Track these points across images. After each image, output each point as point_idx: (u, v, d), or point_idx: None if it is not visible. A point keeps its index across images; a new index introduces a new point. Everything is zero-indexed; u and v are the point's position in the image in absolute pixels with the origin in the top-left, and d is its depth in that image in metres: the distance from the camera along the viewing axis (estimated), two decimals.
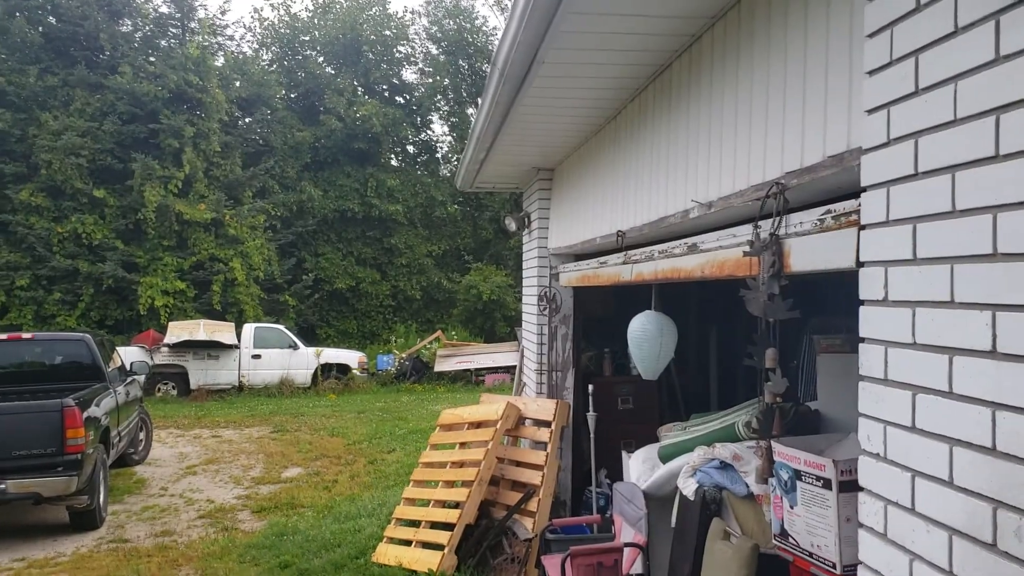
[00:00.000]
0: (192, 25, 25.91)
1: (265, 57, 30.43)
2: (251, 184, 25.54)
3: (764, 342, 2.63)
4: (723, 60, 3.07)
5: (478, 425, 7.12)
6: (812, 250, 2.34)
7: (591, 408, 6.67)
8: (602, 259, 5.03)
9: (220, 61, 26.47)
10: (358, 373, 20.33)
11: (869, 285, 1.95)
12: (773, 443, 4.17)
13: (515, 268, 28.00)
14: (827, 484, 3.65)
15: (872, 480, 1.95)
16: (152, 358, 18.14)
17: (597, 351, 7.37)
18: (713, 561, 4.09)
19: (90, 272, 21.44)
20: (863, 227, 1.99)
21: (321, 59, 30.12)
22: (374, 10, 30.51)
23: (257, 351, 19.46)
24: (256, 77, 27.33)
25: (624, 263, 4.37)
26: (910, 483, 1.76)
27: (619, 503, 5.56)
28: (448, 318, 27.23)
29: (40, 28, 23.32)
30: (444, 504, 6.87)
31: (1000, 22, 1.48)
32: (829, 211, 2.26)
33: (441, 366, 20.84)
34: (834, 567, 3.61)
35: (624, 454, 6.20)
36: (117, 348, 13.25)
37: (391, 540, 6.98)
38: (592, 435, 6.65)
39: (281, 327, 20.90)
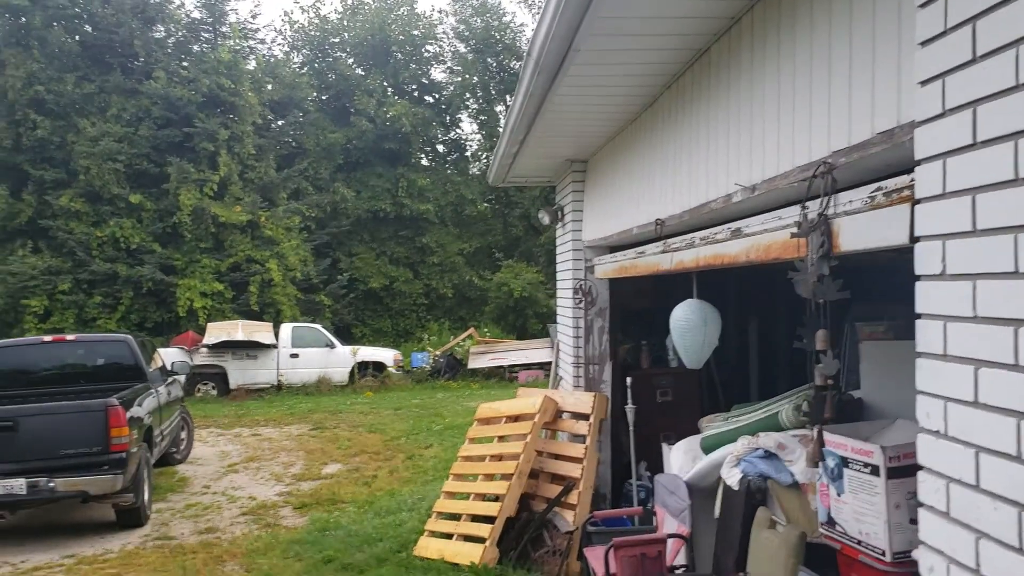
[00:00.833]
0: (223, 29, 26.22)
1: (296, 60, 30.72)
2: (285, 186, 25.80)
3: (814, 324, 2.59)
4: (763, 40, 3.03)
5: (516, 419, 7.11)
6: (863, 228, 2.30)
7: (629, 401, 6.64)
8: (640, 249, 4.99)
9: (252, 64, 26.74)
10: (394, 371, 20.45)
11: (925, 260, 1.91)
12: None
13: (546, 264, 27.97)
14: (875, 471, 3.60)
15: (932, 458, 1.91)
16: (192, 359, 18.38)
17: (634, 343, 7.33)
18: (760, 550, 4.05)
19: (129, 275, 21.78)
20: (917, 201, 1.95)
21: (351, 60, 30.31)
22: (402, 10, 30.64)
23: (295, 350, 19.65)
24: (288, 80, 27.57)
25: (663, 252, 4.34)
26: (973, 459, 1.72)
27: (661, 495, 5.53)
28: (480, 315, 27.27)
29: (77, 36, 23.72)
30: (484, 497, 6.88)
31: None
32: (880, 188, 2.22)
33: (475, 363, 20.89)
34: (884, 554, 3.56)
35: (664, 446, 6.16)
36: (158, 349, 13.47)
37: (432, 534, 7.00)
38: (631, 428, 6.62)
39: (318, 326, 21.10)
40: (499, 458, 6.97)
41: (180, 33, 25.64)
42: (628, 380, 6.60)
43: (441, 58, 31.84)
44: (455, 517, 6.94)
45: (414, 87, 30.83)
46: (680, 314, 4.39)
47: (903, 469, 3.61)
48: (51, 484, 7.68)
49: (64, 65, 23.24)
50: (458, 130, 32.16)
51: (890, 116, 2.19)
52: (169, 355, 15.21)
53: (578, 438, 6.72)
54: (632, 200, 5.17)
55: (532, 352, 20.82)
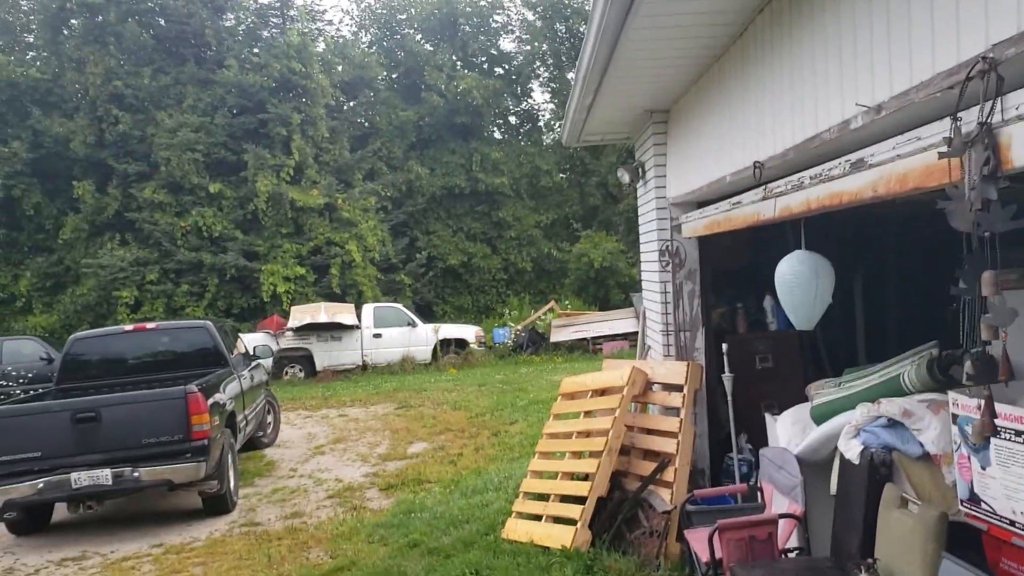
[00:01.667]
0: (291, 13, 26.27)
1: (364, 39, 30.60)
2: (360, 167, 25.79)
3: (978, 264, 2.08)
4: None
5: (602, 392, 6.68)
6: None
7: (726, 369, 6.13)
8: (734, 199, 4.47)
9: (321, 47, 26.75)
10: (476, 347, 20.26)
11: None
12: (954, 396, 3.58)
13: (626, 233, 27.29)
14: None
15: None
16: (278, 343, 18.53)
17: (728, 307, 6.79)
18: (891, 533, 3.54)
19: (213, 263, 22.14)
20: None
21: (419, 36, 30.01)
22: None
23: (378, 330, 19.65)
24: (357, 60, 27.49)
25: (764, 199, 3.82)
26: None
27: (767, 470, 5.03)
28: (560, 288, 26.84)
29: (151, 31, 24.11)
30: (572, 476, 6.49)
31: None
32: None
33: (557, 336, 20.51)
34: None
35: (768, 417, 5.64)
36: (241, 334, 13.53)
37: (520, 515, 6.65)
38: (729, 398, 6.11)
39: (399, 306, 21.06)
40: (587, 434, 6.55)
41: (249, 20, 25.79)
42: (724, 346, 6.08)
43: (509, 27, 31.28)
44: (543, 497, 6.57)
45: (484, 59, 30.38)
46: (787, 268, 3.87)
47: None
48: (136, 474, 7.64)
49: (140, 59, 23.66)
50: (530, 100, 31.64)
51: None
52: (253, 340, 15.32)
53: (671, 411, 6.24)
54: (722, 146, 4.63)
55: (616, 323, 20.33)
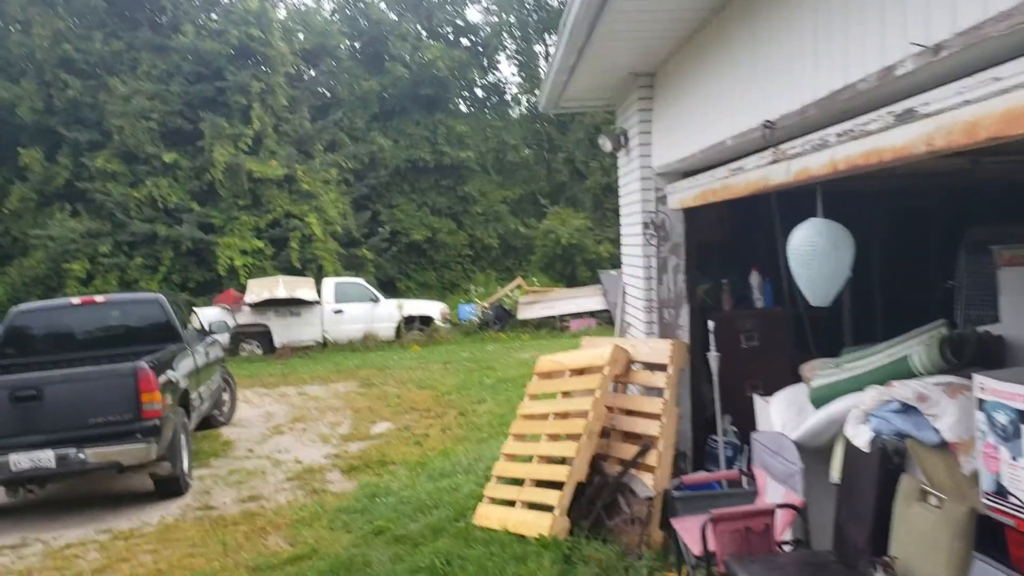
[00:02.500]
0: None
1: (327, 7, 29.82)
2: (321, 138, 25.11)
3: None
4: None
5: (581, 372, 6.34)
6: None
7: (712, 347, 5.82)
8: (735, 165, 4.11)
9: (282, 13, 25.98)
10: (441, 324, 19.84)
11: None
12: (981, 380, 3.28)
13: (593, 209, 27.00)
14: None
15: None
16: (234, 318, 17.95)
17: (713, 282, 6.48)
18: (910, 529, 3.24)
19: (168, 236, 21.42)
20: None
21: (383, 5, 29.24)
22: None
23: (339, 306, 19.14)
24: (319, 28, 26.76)
25: (773, 162, 3.47)
26: None
27: (761, 456, 4.72)
28: (527, 265, 26.48)
29: None
30: (549, 460, 6.15)
31: None
32: None
33: (524, 313, 20.17)
34: None
35: (756, 398, 5.35)
36: (196, 309, 12.95)
37: (493, 500, 6.31)
38: (715, 378, 5.81)
39: (361, 281, 20.55)
40: (564, 416, 6.22)
41: None
42: (710, 324, 5.76)
43: None
44: (518, 482, 6.23)
45: (450, 29, 29.74)
46: (803, 238, 3.52)
47: None
48: (81, 455, 7.17)
49: (91, 23, 22.74)
50: (496, 73, 31.08)
51: None
52: (208, 315, 14.74)
53: (653, 391, 5.93)
54: (723, 107, 4.27)
55: (584, 300, 20.06)
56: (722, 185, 4.34)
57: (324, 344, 19.03)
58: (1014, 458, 3.10)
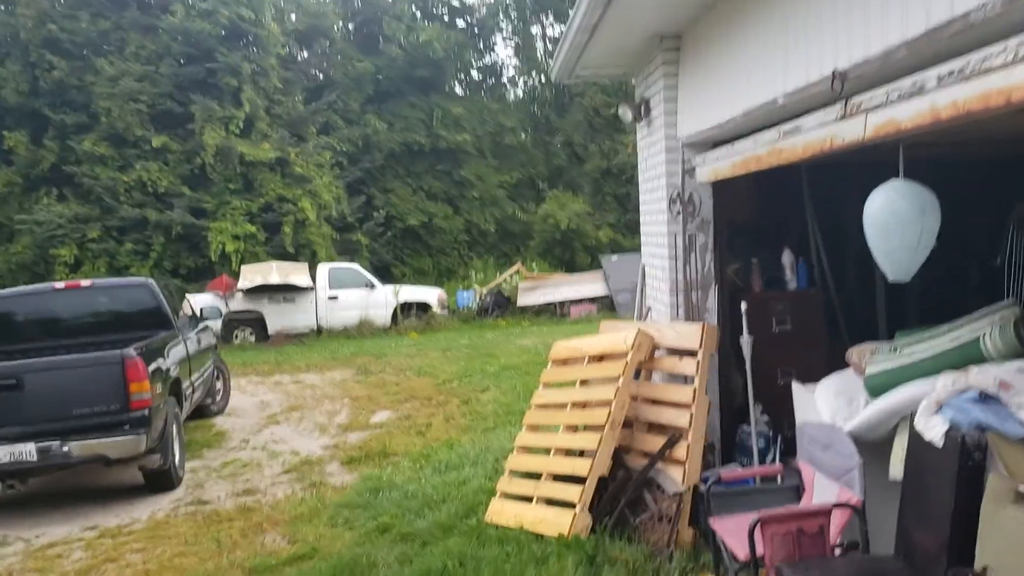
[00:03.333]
0: None
1: None
2: (314, 120, 24.55)
3: None
4: None
5: (601, 358, 5.92)
6: None
7: (745, 331, 5.41)
8: (788, 126, 3.67)
9: None
10: (438, 311, 19.40)
11: None
12: None
13: (593, 193, 26.55)
14: None
15: None
16: (227, 304, 17.49)
17: (743, 262, 6.06)
18: (1003, 535, 2.84)
19: (159, 220, 20.87)
20: None
21: None
22: None
23: (333, 292, 18.69)
24: (312, 8, 26.19)
25: (843, 117, 3.04)
26: None
27: (808, 449, 4.32)
28: (525, 250, 26.05)
29: None
30: (568, 452, 5.74)
31: None
32: None
33: (524, 300, 19.75)
34: None
35: (797, 386, 4.92)
36: (188, 295, 12.50)
37: (506, 496, 5.89)
38: (748, 364, 5.40)
39: (356, 266, 20.06)
40: (583, 406, 5.80)
41: None
42: (743, 305, 5.35)
43: None
44: (533, 476, 5.82)
45: (445, 10, 29.18)
46: (882, 203, 3.08)
47: None
48: (65, 448, 6.73)
49: (77, 2, 22.10)
50: (493, 54, 30.56)
51: None
52: (200, 301, 14.27)
53: (679, 379, 5.52)
54: (773, 62, 3.81)
55: (584, 286, 19.67)
56: (770, 150, 3.90)
57: (319, 331, 18.59)
58: None
